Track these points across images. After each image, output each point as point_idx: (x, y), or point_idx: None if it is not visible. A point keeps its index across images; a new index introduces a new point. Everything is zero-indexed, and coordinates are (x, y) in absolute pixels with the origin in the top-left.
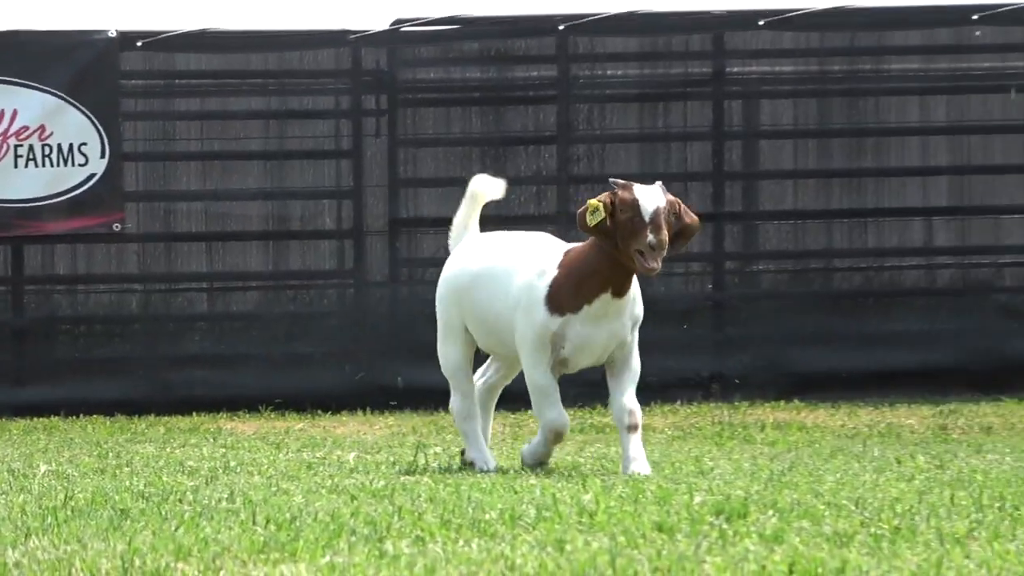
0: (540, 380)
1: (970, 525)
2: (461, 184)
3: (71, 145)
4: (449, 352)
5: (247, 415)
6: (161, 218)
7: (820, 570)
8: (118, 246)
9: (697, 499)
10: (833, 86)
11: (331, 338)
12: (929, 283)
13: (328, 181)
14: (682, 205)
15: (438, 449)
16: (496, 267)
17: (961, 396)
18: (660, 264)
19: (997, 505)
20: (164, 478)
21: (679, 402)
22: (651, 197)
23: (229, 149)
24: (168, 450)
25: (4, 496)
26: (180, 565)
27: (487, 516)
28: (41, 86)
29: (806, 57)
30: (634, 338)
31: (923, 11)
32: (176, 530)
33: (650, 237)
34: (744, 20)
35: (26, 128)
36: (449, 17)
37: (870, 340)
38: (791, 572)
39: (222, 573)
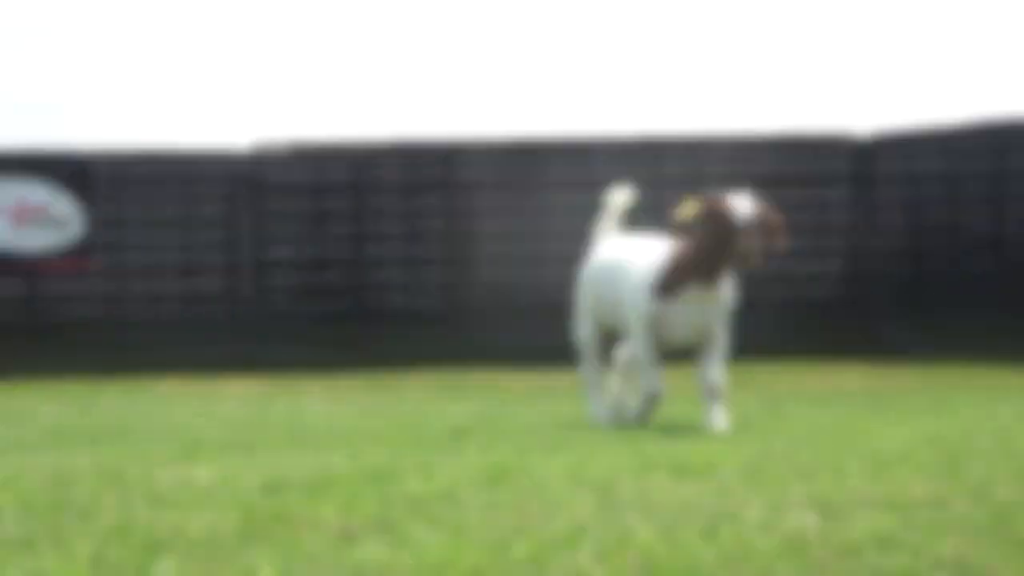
0: (646, 354)
1: None
2: None
3: None
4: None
5: None
6: None
7: None
8: None
9: None
10: None
11: None
12: None
13: None
14: (767, 209)
15: None
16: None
17: None
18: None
19: None
20: None
21: None
22: (743, 208)
23: None
24: None
25: None
26: None
27: None
28: None
29: None
30: (725, 322)
31: None
32: None
33: (743, 245)
34: None
35: None
36: None
37: None
38: None
39: None
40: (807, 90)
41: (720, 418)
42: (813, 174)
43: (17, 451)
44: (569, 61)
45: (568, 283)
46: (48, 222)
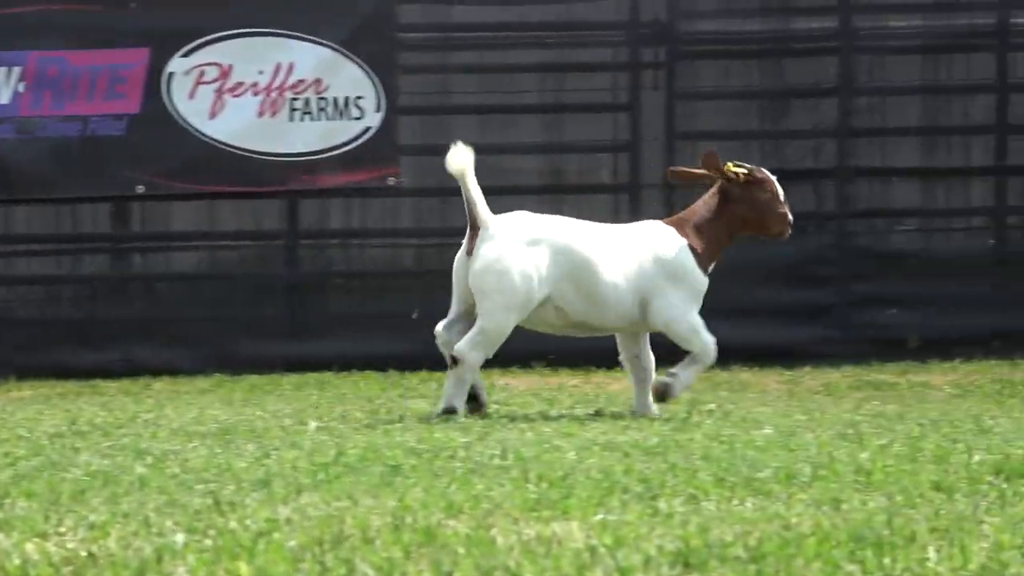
0: (696, 320)
1: None
2: (739, 138)
3: (347, 99)
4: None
5: (520, 371)
6: (436, 172)
7: None
8: (392, 200)
9: (976, 458)
10: None
11: None
12: None
13: (605, 135)
14: None
15: (712, 406)
16: None
17: None
18: None
19: None
20: (436, 434)
21: (958, 359)
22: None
23: (505, 103)
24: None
25: (276, 452)
26: (451, 522)
27: (762, 474)
28: (317, 39)
29: None
30: None
31: None
32: (448, 487)
33: (789, 215)
34: None
35: (302, 81)
36: None
37: None
38: None
39: (493, 530)
40: None
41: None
42: None
43: None
44: None
45: None
46: None
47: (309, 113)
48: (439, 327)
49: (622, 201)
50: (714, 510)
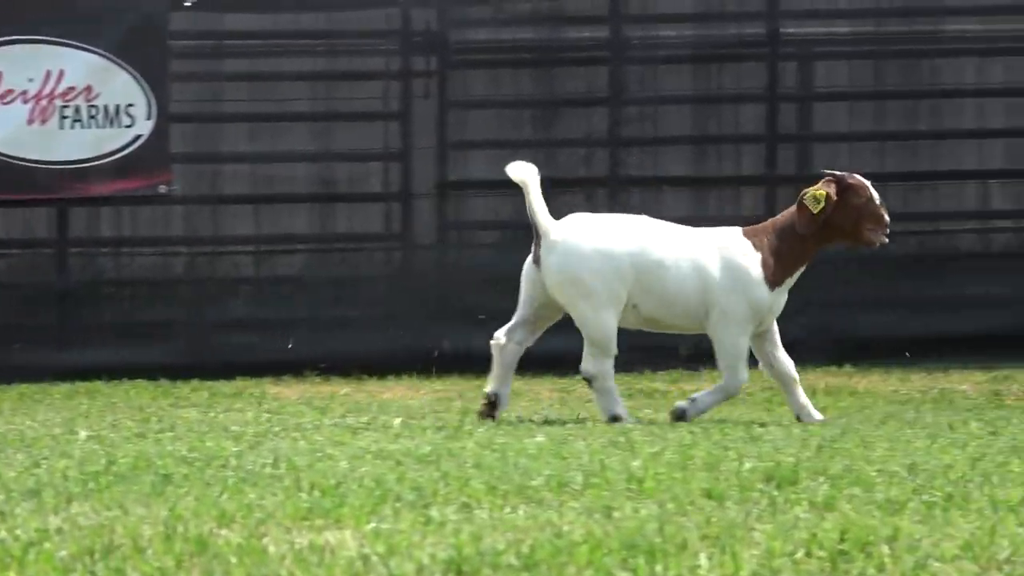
0: (743, 346)
1: None
2: (510, 146)
3: (118, 106)
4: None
5: (292, 380)
6: (207, 180)
7: (871, 538)
8: (164, 208)
9: (747, 465)
10: (889, 47)
11: (377, 302)
12: (984, 247)
13: (376, 143)
14: None
15: None
16: None
17: (1016, 362)
18: None
19: None
20: (207, 443)
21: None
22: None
23: (277, 111)
24: (212, 415)
25: (46, 461)
26: (223, 531)
27: (534, 482)
28: (89, 47)
29: (862, 18)
30: None
31: None
32: (219, 496)
33: (887, 216)
34: None
35: (73, 89)
36: None
37: (924, 305)
38: (842, 540)
39: (266, 539)
40: None
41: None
42: None
43: None
44: None
45: None
46: None
47: (80, 121)
48: (500, 330)
49: (393, 210)
50: (486, 518)
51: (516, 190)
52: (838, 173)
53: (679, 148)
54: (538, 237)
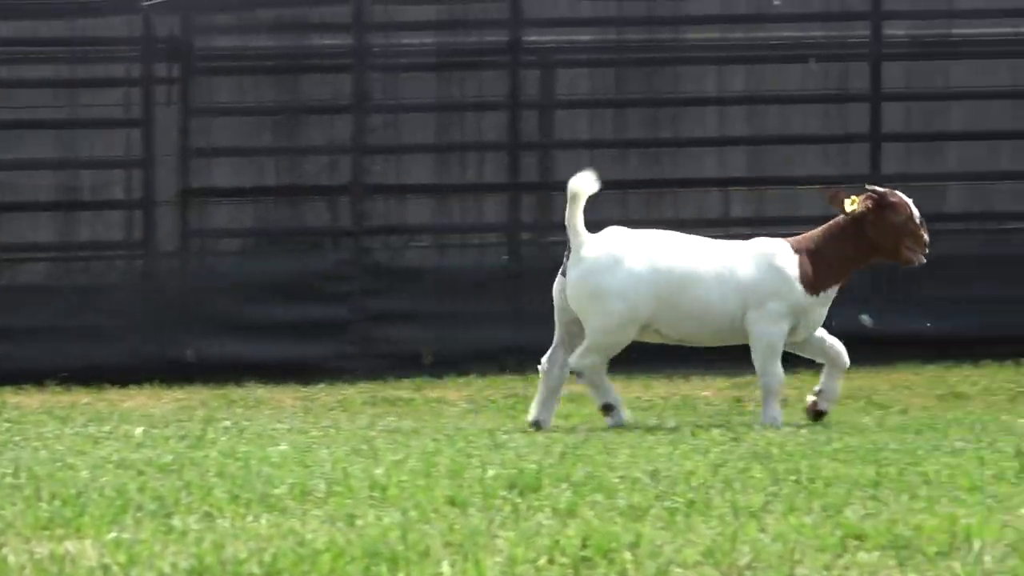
0: (778, 344)
1: (765, 498)
2: (253, 154)
3: None
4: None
5: (32, 389)
6: None
7: (614, 544)
8: None
9: (490, 473)
10: (630, 55)
11: (120, 310)
12: None
13: (118, 150)
14: None
15: (228, 423)
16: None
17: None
18: None
19: (792, 478)
20: None
21: (473, 374)
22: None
23: (17, 118)
24: None
25: None
26: None
27: (277, 490)
28: None
29: (603, 26)
30: None
31: None
32: None
33: (926, 236)
34: None
35: None
36: None
37: None
38: (584, 546)
39: (5, 549)
40: None
41: None
42: None
43: None
44: None
45: None
46: None
47: None
48: (544, 356)
49: (136, 218)
50: (229, 527)
51: (259, 197)
52: (880, 190)
53: (423, 156)
54: (569, 250)
